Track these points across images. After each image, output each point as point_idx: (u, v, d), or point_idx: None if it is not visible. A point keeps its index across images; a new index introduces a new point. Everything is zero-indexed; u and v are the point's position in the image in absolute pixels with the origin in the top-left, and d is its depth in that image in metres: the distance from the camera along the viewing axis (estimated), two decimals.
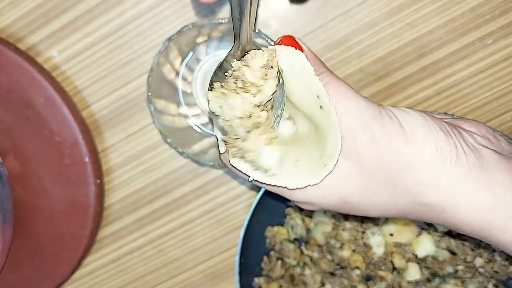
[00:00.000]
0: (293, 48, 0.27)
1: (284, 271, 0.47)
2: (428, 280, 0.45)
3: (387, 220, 0.46)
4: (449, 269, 0.45)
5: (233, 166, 0.28)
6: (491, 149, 0.26)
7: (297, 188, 0.27)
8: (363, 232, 0.46)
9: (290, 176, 0.27)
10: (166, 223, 0.48)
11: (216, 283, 0.50)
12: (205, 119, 0.45)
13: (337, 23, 0.43)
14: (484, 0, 0.42)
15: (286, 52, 0.27)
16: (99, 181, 0.45)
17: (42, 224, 0.47)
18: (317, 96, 0.26)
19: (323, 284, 0.46)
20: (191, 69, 0.44)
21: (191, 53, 0.43)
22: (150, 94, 0.42)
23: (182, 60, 0.44)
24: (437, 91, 0.44)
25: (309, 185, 0.26)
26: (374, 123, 0.25)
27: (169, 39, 0.40)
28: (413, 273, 0.45)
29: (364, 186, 0.26)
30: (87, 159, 0.44)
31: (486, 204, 0.25)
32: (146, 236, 0.49)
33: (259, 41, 0.41)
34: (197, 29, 0.41)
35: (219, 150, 0.28)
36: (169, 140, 0.42)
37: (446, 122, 0.27)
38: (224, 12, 0.43)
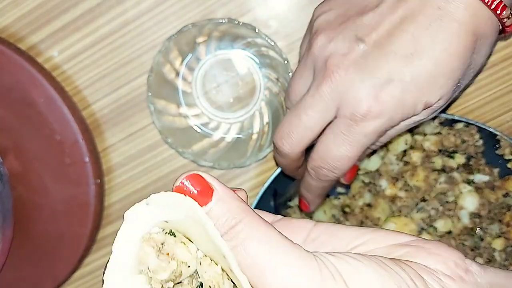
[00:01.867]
0: (187, 198, 0.20)
1: None
2: None
3: (386, 220, 0.46)
4: None
5: None
6: None
7: None
8: None
9: None
10: None
11: None
12: (205, 119, 0.45)
13: None
14: None
15: (180, 201, 0.20)
16: (99, 180, 0.46)
17: (42, 223, 0.47)
18: (224, 257, 0.20)
19: None
20: (191, 69, 0.44)
21: (191, 53, 0.44)
22: (150, 94, 0.42)
23: (182, 60, 0.44)
24: None
25: None
26: None
27: (169, 39, 0.40)
28: None
29: None
30: (87, 159, 0.44)
31: None
32: None
33: (259, 41, 0.42)
34: (197, 29, 0.41)
35: None
36: (169, 140, 0.43)
37: (405, 262, 0.22)
38: (224, 12, 0.43)
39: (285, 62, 0.40)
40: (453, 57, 0.30)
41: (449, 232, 0.45)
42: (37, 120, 0.44)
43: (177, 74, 0.44)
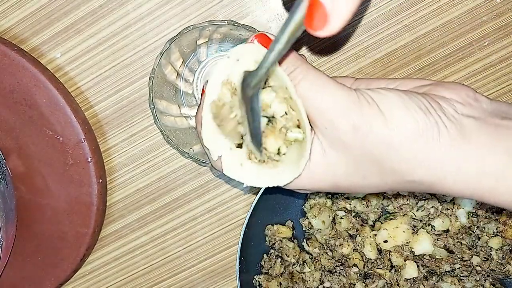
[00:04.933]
0: (256, 45, 0.28)
1: (284, 269, 0.47)
2: (426, 278, 0.46)
3: (379, 228, 0.46)
4: (447, 267, 0.45)
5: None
6: (472, 116, 0.26)
7: (286, 184, 0.28)
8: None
9: (278, 172, 0.28)
10: (168, 221, 0.49)
11: (217, 280, 0.50)
12: None
13: None
14: (481, 1, 0.43)
15: (250, 49, 0.28)
16: (101, 180, 0.46)
17: (45, 222, 0.48)
18: (285, 88, 0.27)
19: (322, 282, 0.47)
20: (192, 70, 0.44)
21: (192, 55, 0.44)
22: (151, 95, 0.42)
23: (183, 62, 0.44)
24: None
25: (294, 177, 0.27)
26: (352, 111, 0.26)
27: (171, 40, 0.41)
28: (411, 271, 0.45)
29: (353, 170, 0.27)
30: (89, 159, 0.45)
31: (473, 172, 0.25)
32: (148, 234, 0.49)
33: None
34: (198, 31, 0.41)
35: (209, 159, 0.30)
36: (170, 140, 0.43)
37: (425, 94, 0.28)
38: (224, 14, 0.44)
39: None
40: None
41: (447, 231, 0.45)
42: (40, 121, 0.44)
43: (178, 75, 0.44)
